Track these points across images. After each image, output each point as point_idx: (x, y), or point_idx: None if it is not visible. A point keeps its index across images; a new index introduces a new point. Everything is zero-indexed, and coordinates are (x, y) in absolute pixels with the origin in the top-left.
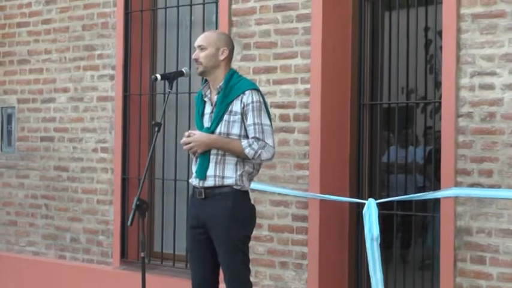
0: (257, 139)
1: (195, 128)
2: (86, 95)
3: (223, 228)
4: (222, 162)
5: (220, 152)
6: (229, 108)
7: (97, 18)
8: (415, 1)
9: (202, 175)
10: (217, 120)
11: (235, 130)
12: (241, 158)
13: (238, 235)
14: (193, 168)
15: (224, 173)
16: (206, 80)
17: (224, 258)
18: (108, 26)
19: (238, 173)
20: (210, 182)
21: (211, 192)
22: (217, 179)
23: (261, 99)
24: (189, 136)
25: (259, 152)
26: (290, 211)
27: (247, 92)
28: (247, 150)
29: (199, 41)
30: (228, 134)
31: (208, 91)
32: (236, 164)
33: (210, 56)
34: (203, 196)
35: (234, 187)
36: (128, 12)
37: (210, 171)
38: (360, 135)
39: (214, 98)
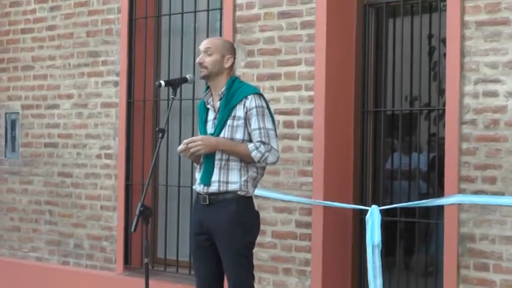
0: (263, 143)
1: (199, 135)
2: (90, 101)
3: (227, 234)
4: (226, 168)
5: (224, 158)
6: (233, 113)
7: (101, 25)
8: (419, 8)
9: (206, 181)
10: (220, 125)
11: (239, 135)
12: (245, 163)
13: (242, 241)
14: (197, 175)
15: (228, 179)
16: (208, 87)
17: (228, 264)
18: (112, 32)
19: (243, 178)
20: (214, 188)
21: (216, 198)
22: (221, 185)
23: (264, 104)
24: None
25: (266, 155)
26: (293, 218)
27: (249, 97)
28: (254, 153)
29: (205, 43)
30: (231, 139)
31: (210, 98)
32: (240, 170)
33: (215, 62)
34: (207, 202)
35: (239, 193)
36: (132, 19)
37: (215, 177)
38: (363, 142)
39: (217, 104)
